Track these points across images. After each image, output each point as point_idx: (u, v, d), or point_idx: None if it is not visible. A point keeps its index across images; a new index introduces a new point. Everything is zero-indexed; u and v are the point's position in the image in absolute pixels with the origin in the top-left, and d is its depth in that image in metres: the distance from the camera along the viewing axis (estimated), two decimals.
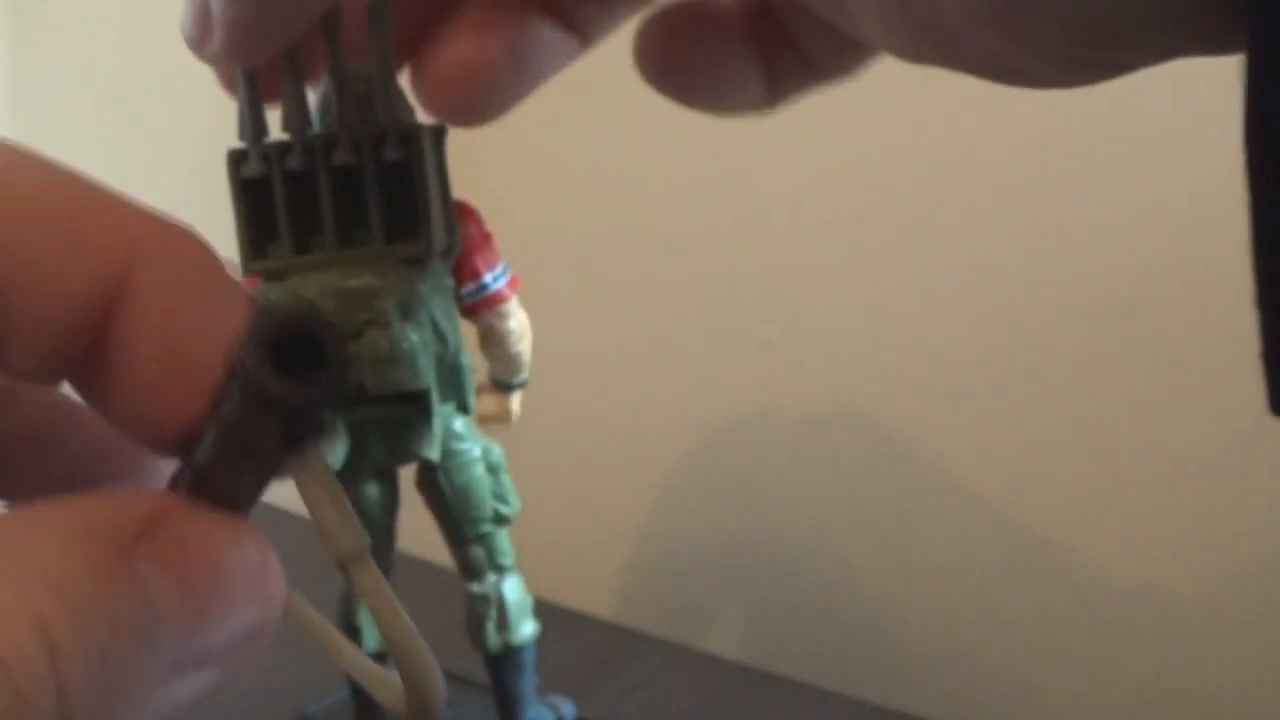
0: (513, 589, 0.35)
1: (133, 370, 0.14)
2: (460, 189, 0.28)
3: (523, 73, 0.23)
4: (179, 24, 0.21)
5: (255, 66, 0.23)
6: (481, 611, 0.35)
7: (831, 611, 0.56)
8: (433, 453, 0.31)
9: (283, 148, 0.24)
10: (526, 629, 0.36)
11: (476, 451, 0.33)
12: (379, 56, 0.23)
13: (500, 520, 0.34)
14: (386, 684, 0.15)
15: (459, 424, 0.33)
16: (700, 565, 0.60)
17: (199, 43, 0.21)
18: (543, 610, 0.36)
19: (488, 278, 0.32)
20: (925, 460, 0.53)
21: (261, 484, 0.14)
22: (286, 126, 0.24)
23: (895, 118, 0.50)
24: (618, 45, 0.24)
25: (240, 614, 0.13)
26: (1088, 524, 0.49)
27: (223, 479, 0.14)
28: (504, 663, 0.35)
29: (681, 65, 0.23)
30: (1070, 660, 0.50)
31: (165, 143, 0.62)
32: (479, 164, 0.62)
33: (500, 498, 0.34)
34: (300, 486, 0.14)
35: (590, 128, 0.58)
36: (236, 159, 0.25)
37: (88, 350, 0.14)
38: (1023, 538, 0.51)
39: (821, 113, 0.51)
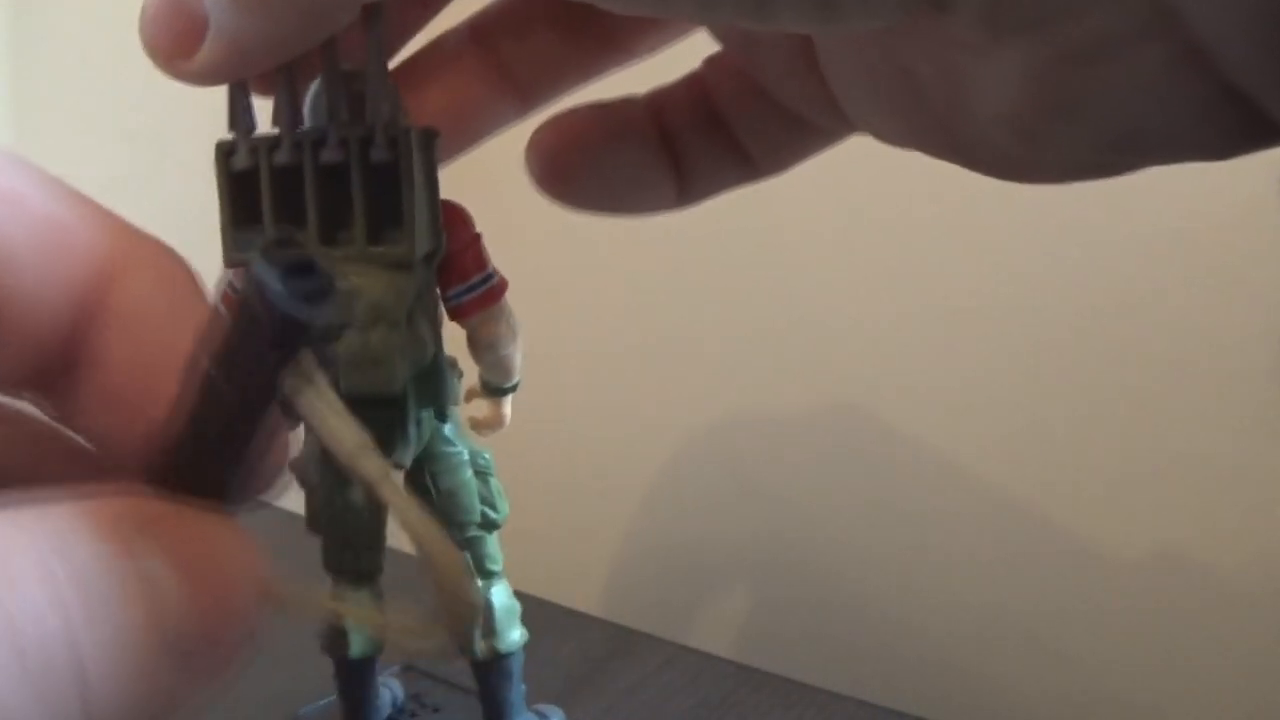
0: (500, 595, 0.34)
1: (104, 380, 0.14)
2: (461, 187, 0.28)
3: (464, 139, 0.24)
4: (141, 31, 0.19)
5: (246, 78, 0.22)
6: None
7: (832, 611, 0.56)
8: (405, 459, 0.30)
9: (272, 142, 0.24)
10: (514, 635, 0.35)
11: (465, 455, 0.33)
12: (373, 56, 0.23)
13: (488, 525, 0.34)
14: (406, 626, 0.15)
15: (448, 427, 0.32)
16: (699, 565, 0.60)
17: (175, 55, 0.19)
18: (540, 609, 0.36)
19: (477, 279, 0.31)
20: (927, 459, 0.53)
21: (243, 450, 0.14)
22: (277, 122, 0.24)
23: None
24: (651, 78, 0.24)
25: (234, 595, 0.14)
26: (1091, 525, 0.49)
27: (204, 468, 0.14)
28: (491, 670, 0.35)
29: (568, 172, 0.23)
30: (1071, 661, 0.50)
31: (164, 145, 0.62)
32: (478, 163, 0.62)
33: (488, 502, 0.33)
34: (300, 400, 0.14)
35: None
36: (226, 150, 0.24)
37: (60, 359, 0.14)
38: (1025, 538, 0.51)
39: None
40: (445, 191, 0.27)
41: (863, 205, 0.52)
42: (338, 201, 0.25)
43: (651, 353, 0.61)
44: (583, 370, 0.62)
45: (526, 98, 0.24)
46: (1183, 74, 0.15)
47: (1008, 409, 0.50)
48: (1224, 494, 0.46)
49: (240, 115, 0.24)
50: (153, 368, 0.14)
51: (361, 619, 0.16)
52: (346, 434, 0.14)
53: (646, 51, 0.24)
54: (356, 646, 0.35)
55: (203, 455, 0.14)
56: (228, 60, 0.19)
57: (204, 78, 0.19)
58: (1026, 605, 0.51)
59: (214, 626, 0.13)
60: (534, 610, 0.36)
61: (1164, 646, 0.48)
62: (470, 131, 0.24)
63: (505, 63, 0.23)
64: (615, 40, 0.23)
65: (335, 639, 0.35)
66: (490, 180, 0.64)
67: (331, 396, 0.14)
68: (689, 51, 0.24)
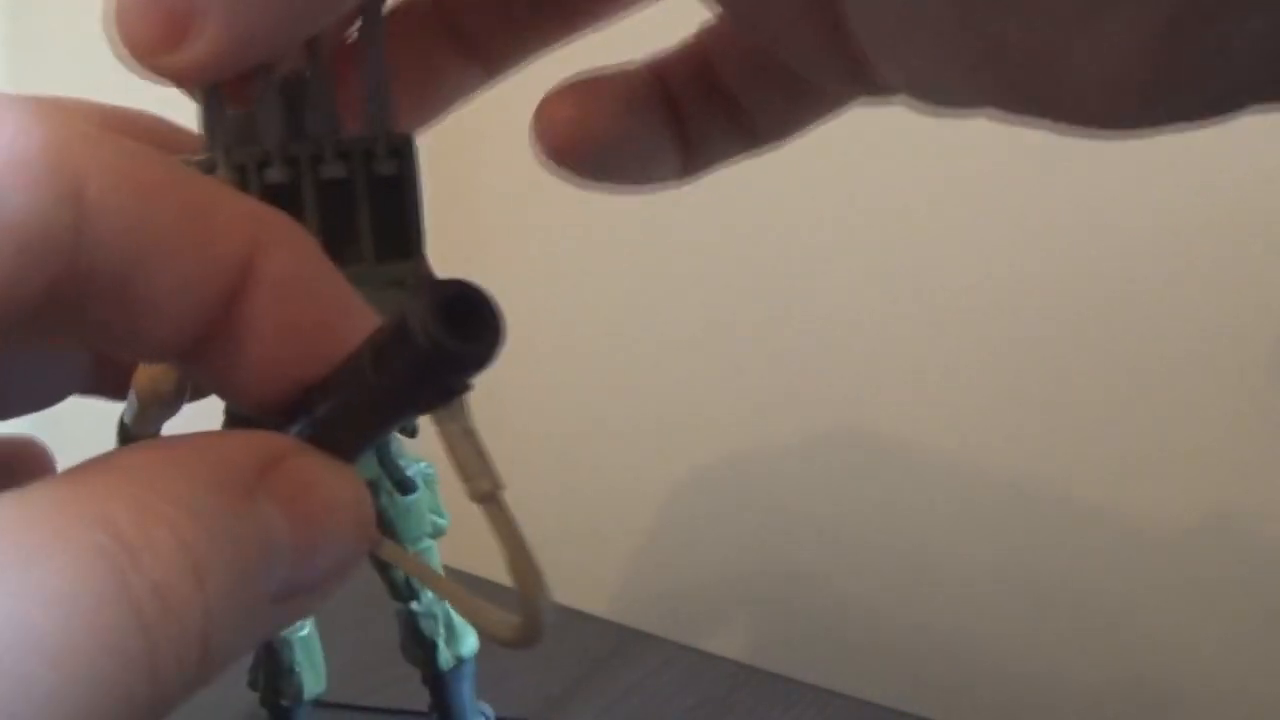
0: None
1: (252, 347, 0.15)
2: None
3: (429, 111, 0.23)
4: (114, 21, 0.16)
5: (238, 73, 0.19)
6: (429, 630, 0.35)
7: (832, 611, 0.56)
8: (368, 473, 0.31)
9: (260, 158, 0.22)
10: (472, 639, 0.36)
11: (412, 469, 0.33)
12: (373, 53, 0.22)
13: (437, 534, 0.34)
14: (481, 609, 0.17)
15: (393, 443, 0.33)
16: (701, 564, 0.60)
17: (160, 47, 0.16)
18: None
19: None
20: (926, 460, 0.53)
21: (380, 436, 0.16)
22: (264, 136, 0.22)
23: (896, 121, 0.50)
24: (635, 45, 0.23)
25: (341, 549, 0.15)
26: (1087, 526, 0.49)
27: (342, 431, 0.15)
28: (454, 676, 0.36)
29: (580, 143, 0.22)
30: (1069, 660, 0.50)
31: None
32: (488, 163, 0.62)
33: (436, 511, 0.34)
34: (446, 434, 0.16)
35: None
36: (206, 169, 0.22)
37: (209, 329, 0.15)
38: (1022, 539, 0.51)
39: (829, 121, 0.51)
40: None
41: (866, 207, 0.52)
42: (334, 219, 0.23)
43: (653, 357, 0.61)
44: (585, 373, 0.62)
45: (490, 65, 0.23)
46: None
47: (1005, 410, 0.50)
48: (1226, 493, 0.46)
49: (218, 127, 0.21)
50: (303, 336, 0.15)
51: (446, 590, 0.18)
52: (482, 479, 0.16)
53: (614, 15, 0.23)
54: (309, 687, 0.35)
55: (335, 425, 0.15)
56: (226, 49, 0.16)
57: (196, 72, 0.16)
58: (1026, 605, 0.51)
59: (318, 578, 0.14)
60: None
61: (1163, 648, 0.48)
62: (435, 103, 0.23)
63: (467, 29, 0.22)
64: (582, 4, 0.23)
65: (273, 687, 0.35)
66: (494, 194, 0.64)
67: (476, 437, 0.16)
68: (655, 17, 0.23)
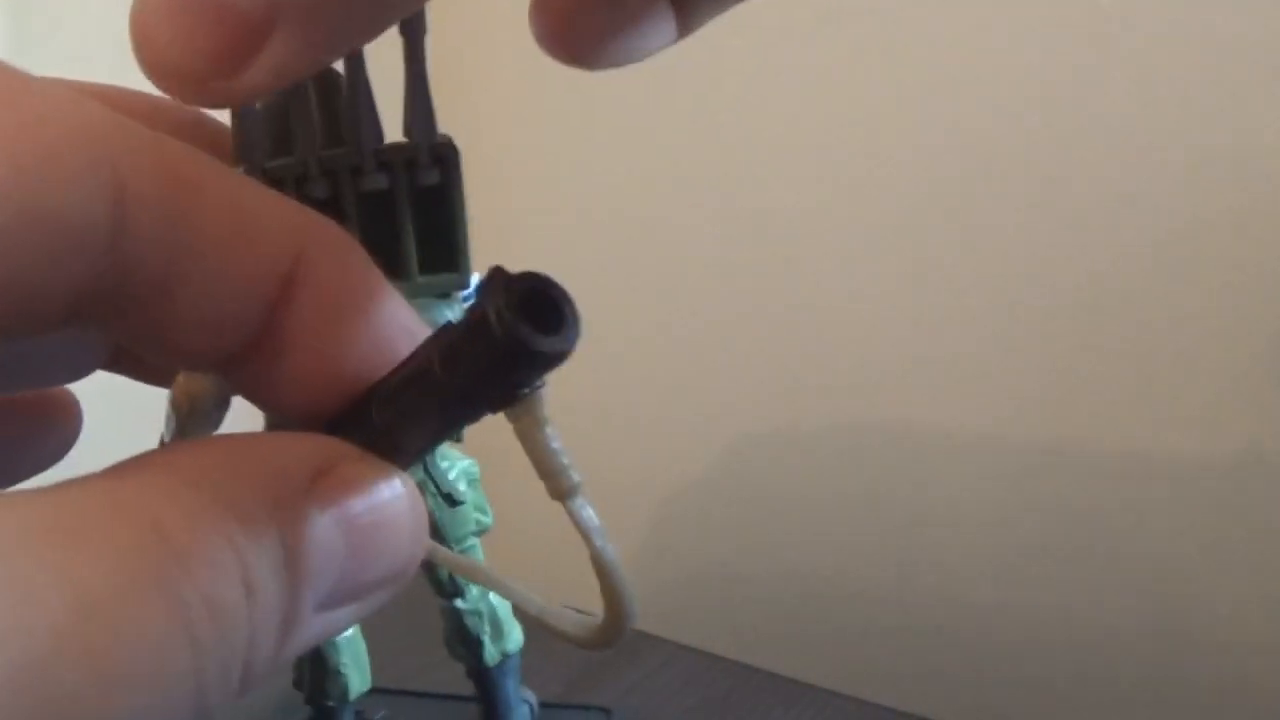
0: (498, 598, 0.35)
1: (295, 357, 0.15)
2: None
3: None
4: (158, 53, 0.15)
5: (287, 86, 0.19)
6: (475, 626, 0.35)
7: (832, 611, 0.56)
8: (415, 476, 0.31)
9: (296, 170, 0.21)
10: (517, 633, 0.36)
11: (455, 469, 0.34)
12: (414, 64, 0.21)
13: (481, 532, 0.34)
14: (554, 613, 0.17)
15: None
16: (701, 564, 0.60)
17: (218, 74, 0.14)
18: None
19: None
20: (926, 460, 0.53)
21: (443, 438, 0.15)
22: (305, 150, 0.21)
23: (898, 116, 0.50)
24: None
25: (394, 559, 0.14)
26: (1090, 525, 0.49)
27: (400, 436, 0.15)
28: (500, 670, 0.36)
29: (581, 27, 0.21)
30: (1070, 660, 0.50)
31: None
32: (486, 159, 0.62)
33: (480, 509, 0.34)
34: (522, 431, 0.15)
35: (599, 132, 0.58)
36: None
37: (251, 336, 0.15)
38: (1023, 540, 0.51)
39: (826, 107, 0.51)
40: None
41: (865, 198, 0.52)
42: (375, 231, 0.22)
43: (653, 357, 0.61)
44: (583, 373, 0.62)
45: None
46: None
47: (1012, 419, 0.50)
48: (1228, 494, 0.46)
49: (256, 141, 0.20)
50: (349, 346, 0.15)
51: (512, 593, 0.17)
52: (562, 477, 0.15)
53: None
54: (354, 687, 0.35)
55: (392, 429, 0.15)
56: (287, 66, 0.14)
57: (253, 94, 0.15)
58: (1026, 607, 0.51)
59: (369, 587, 0.14)
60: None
61: (1160, 652, 0.48)
62: None
63: None
64: None
65: (319, 687, 0.35)
66: (500, 190, 0.64)
67: (552, 435, 0.15)
68: None
